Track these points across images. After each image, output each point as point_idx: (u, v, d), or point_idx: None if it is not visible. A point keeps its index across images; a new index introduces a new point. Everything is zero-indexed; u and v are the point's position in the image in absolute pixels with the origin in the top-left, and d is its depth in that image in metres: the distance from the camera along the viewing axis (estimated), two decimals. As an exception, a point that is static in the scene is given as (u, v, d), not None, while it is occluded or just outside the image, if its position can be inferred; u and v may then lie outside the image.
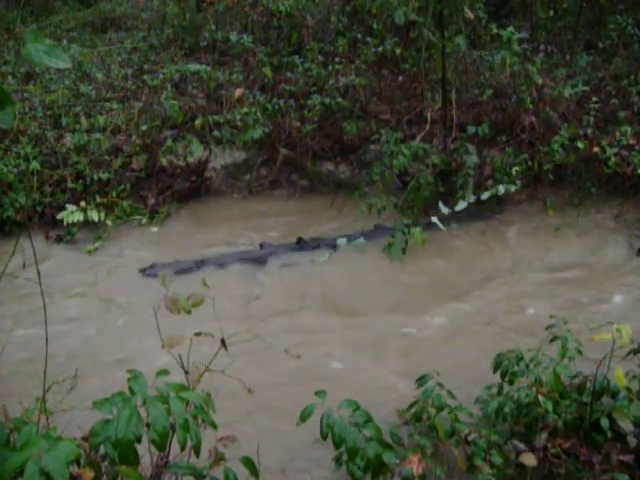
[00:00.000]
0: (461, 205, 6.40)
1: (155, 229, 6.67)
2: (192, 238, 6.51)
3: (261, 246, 6.09)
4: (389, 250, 5.84)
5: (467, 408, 3.38)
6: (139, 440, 1.97)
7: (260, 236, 6.44)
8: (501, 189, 6.46)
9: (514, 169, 6.49)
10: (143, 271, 5.69)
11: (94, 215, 6.23)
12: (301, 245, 6.06)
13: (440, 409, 3.25)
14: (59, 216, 6.06)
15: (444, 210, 6.21)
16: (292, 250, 6.01)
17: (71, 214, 6.09)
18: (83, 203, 6.31)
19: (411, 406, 3.47)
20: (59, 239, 6.34)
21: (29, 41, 1.76)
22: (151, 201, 6.89)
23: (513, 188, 6.51)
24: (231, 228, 6.69)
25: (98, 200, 6.52)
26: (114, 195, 6.70)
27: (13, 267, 5.24)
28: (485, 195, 6.48)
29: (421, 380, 3.46)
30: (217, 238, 6.47)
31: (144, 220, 6.68)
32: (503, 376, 3.37)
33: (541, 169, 6.59)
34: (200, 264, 5.74)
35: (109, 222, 6.42)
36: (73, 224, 6.24)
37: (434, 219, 6.13)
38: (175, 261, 5.83)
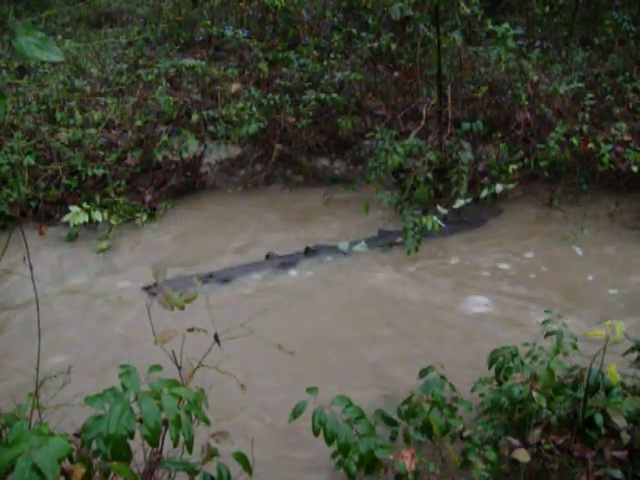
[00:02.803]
0: (459, 203, 6.38)
1: (155, 225, 6.67)
2: (192, 236, 6.52)
3: (267, 257, 5.91)
4: (388, 249, 5.94)
5: (467, 402, 3.36)
6: (131, 436, 1.96)
7: (257, 233, 6.45)
8: (499, 187, 6.45)
9: (511, 167, 6.48)
10: (147, 290, 5.33)
11: (97, 216, 6.13)
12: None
13: (435, 403, 3.22)
14: (64, 219, 5.85)
15: (442, 211, 6.17)
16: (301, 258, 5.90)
17: (76, 215, 5.92)
18: (85, 204, 6.16)
19: (407, 401, 3.44)
20: (69, 238, 6.35)
21: (20, 34, 1.70)
22: (148, 197, 6.85)
23: (511, 186, 6.50)
24: (231, 226, 6.68)
25: (98, 201, 6.50)
26: (111, 192, 6.66)
27: (17, 263, 5.15)
28: (483, 194, 6.46)
29: (423, 372, 3.43)
30: (218, 236, 6.47)
31: (145, 217, 6.66)
32: (498, 372, 3.37)
33: (537, 166, 6.58)
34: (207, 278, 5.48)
35: (113, 222, 6.40)
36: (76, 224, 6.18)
37: (436, 219, 6.07)
38: (180, 276, 5.49)
